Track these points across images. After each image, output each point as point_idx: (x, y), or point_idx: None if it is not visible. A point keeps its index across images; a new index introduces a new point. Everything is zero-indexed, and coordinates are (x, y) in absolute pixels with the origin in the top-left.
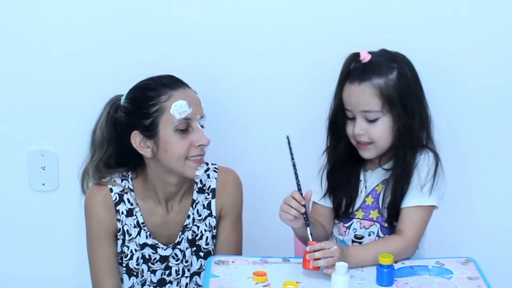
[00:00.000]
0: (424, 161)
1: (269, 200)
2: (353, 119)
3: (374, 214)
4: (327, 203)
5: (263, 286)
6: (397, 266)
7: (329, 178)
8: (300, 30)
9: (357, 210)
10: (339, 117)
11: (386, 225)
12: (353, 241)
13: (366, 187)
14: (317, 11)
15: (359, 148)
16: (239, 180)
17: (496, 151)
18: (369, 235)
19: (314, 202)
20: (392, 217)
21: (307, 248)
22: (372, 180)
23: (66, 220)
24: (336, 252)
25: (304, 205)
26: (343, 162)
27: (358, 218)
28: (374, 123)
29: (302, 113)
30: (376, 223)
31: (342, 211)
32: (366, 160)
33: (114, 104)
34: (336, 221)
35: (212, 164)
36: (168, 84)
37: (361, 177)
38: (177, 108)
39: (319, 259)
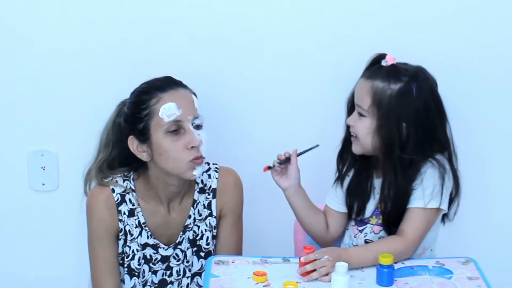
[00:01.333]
0: (430, 173)
1: (269, 201)
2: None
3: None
4: (337, 207)
5: (263, 286)
6: (397, 266)
7: (337, 163)
8: (299, 30)
9: (371, 216)
10: (350, 109)
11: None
12: None
13: (379, 194)
14: (318, 11)
15: (352, 140)
16: (239, 180)
17: (494, 151)
18: None
19: (326, 205)
20: (389, 223)
21: (302, 259)
22: None
23: (66, 220)
24: (326, 261)
25: (288, 158)
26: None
27: (372, 224)
28: (361, 119)
29: (302, 113)
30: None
31: (355, 214)
32: (378, 167)
33: (120, 108)
34: (352, 223)
35: (213, 164)
36: (160, 86)
37: (375, 184)
38: (165, 110)
39: (313, 270)
